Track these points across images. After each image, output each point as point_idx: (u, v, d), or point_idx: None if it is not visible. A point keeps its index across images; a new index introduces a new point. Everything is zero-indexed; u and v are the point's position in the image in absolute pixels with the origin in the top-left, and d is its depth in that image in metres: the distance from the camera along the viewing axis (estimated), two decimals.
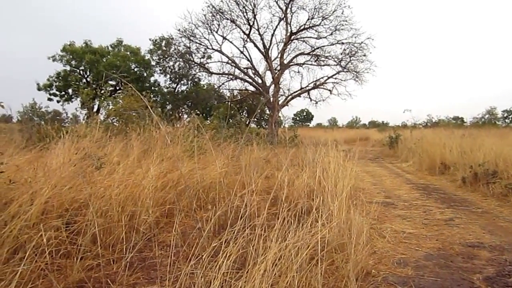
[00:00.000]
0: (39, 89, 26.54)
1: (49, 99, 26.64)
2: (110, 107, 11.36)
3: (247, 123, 24.50)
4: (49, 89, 26.67)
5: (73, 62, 26.52)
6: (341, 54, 22.89)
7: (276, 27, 22.68)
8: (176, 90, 27.94)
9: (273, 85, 23.10)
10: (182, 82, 27.97)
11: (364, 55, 22.49)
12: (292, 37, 22.81)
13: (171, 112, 22.04)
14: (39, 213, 3.60)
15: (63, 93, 26.97)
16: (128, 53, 27.31)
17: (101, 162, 5.19)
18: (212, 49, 23.52)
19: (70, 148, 5.41)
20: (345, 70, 23.09)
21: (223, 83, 24.74)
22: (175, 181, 5.46)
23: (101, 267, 3.39)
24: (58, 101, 26.78)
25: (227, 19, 22.41)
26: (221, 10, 22.13)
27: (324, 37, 22.59)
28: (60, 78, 26.51)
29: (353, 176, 5.94)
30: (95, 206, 3.86)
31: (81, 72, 27.01)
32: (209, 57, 24.90)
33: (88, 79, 26.92)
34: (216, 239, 2.98)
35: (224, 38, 23.04)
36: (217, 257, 2.73)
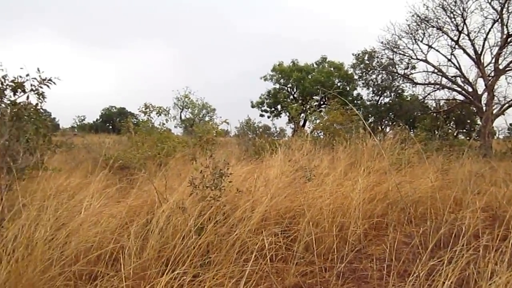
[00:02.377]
0: (252, 106, 29.38)
1: (261, 115, 29.37)
2: (317, 121, 11.76)
3: (454, 134, 23.04)
4: (261, 106, 29.25)
5: (281, 81, 28.55)
6: None
7: (489, 30, 20.84)
8: (378, 103, 27.68)
9: (486, 93, 21.25)
10: (384, 94, 27.60)
11: None
12: (509, 39, 20.73)
13: (373, 125, 21.91)
14: (259, 220, 3.94)
15: (272, 109, 29.22)
16: (332, 69, 28.14)
17: (312, 174, 5.43)
18: (417, 59, 22.78)
19: (283, 160, 5.78)
20: None
21: (428, 94, 23.72)
22: (382, 194, 5.43)
23: (314, 274, 3.55)
24: (268, 117, 29.27)
25: (433, 26, 21.45)
26: (426, 18, 21.31)
27: None
28: (270, 95, 28.80)
29: None
30: (308, 216, 4.06)
31: (289, 89, 28.82)
32: (413, 67, 24.14)
33: (295, 95, 28.51)
34: (433, 258, 2.89)
35: (430, 46, 22.09)
36: (433, 276, 2.65)
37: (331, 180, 5.16)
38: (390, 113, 27.25)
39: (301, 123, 19.82)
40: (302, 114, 18.89)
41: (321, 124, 10.83)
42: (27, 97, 4.88)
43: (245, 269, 2.91)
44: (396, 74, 24.32)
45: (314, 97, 26.45)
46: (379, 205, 5.14)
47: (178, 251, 3.23)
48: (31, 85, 4.82)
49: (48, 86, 4.88)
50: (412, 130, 23.55)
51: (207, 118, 28.97)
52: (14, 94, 4.82)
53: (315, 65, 29.02)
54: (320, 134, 10.90)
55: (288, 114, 25.91)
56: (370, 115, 26.92)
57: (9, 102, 4.78)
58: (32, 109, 4.96)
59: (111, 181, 5.74)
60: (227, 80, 65.33)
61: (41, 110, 5.19)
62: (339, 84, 27.84)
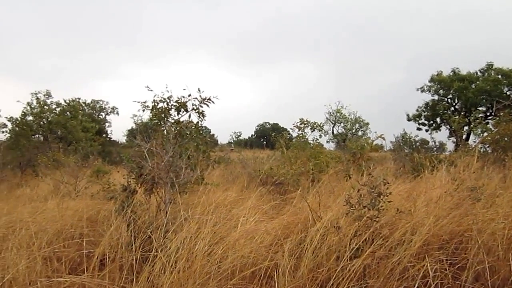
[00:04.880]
0: (408, 119, 28.31)
1: (418, 129, 28.14)
2: (484, 134, 10.84)
3: None
4: (417, 119, 28.07)
5: (440, 91, 27.09)
6: None
7: None
8: None
9: None
10: None
11: None
12: None
13: None
14: (421, 244, 3.63)
15: (431, 122, 27.86)
16: (499, 76, 25.84)
17: (480, 194, 4.91)
18: None
19: (445, 178, 5.35)
20: None
21: None
22: None
23: None
24: (426, 130, 27.95)
25: None
26: None
27: None
28: (428, 107, 27.53)
29: None
30: (478, 241, 3.65)
31: (449, 100, 27.22)
32: None
33: (456, 106, 26.84)
34: None
35: None
36: None
37: (504, 201, 4.61)
38: None
39: (464, 137, 18.53)
40: (466, 127, 17.60)
41: (489, 138, 9.89)
42: (189, 116, 5.20)
43: None
44: None
45: (479, 108, 24.69)
46: None
47: (333, 273, 3.11)
48: (193, 104, 5.13)
49: (207, 105, 5.13)
50: None
51: (360, 133, 28.59)
52: (178, 113, 5.16)
53: (479, 73, 26.97)
54: (488, 148, 9.97)
55: (449, 127, 24.50)
56: None
57: (173, 121, 5.14)
58: (193, 127, 5.27)
59: (265, 196, 5.83)
60: (380, 93, 64.16)
61: (201, 127, 5.50)
62: (508, 92, 25.43)
